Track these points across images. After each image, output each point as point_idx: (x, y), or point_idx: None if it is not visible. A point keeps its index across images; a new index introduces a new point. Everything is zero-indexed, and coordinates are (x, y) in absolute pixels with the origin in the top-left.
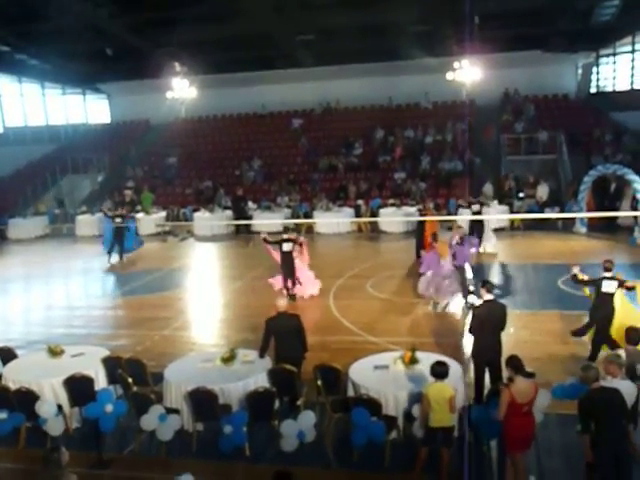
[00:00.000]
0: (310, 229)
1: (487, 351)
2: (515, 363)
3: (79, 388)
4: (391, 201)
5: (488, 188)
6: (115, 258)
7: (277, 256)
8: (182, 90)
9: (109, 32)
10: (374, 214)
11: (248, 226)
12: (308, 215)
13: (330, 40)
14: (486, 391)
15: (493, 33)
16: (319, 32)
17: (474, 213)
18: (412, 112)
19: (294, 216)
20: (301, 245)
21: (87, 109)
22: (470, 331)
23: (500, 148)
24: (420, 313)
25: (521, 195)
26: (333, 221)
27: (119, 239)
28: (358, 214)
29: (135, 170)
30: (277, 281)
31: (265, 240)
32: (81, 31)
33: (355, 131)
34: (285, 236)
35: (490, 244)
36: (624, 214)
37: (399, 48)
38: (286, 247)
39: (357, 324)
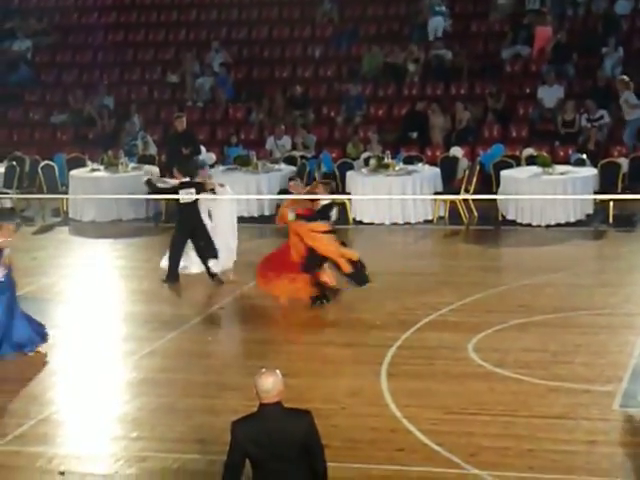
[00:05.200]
0: (341, 210)
1: None
2: None
3: None
4: (528, 151)
5: None
6: None
7: None
8: None
9: None
10: (489, 181)
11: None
12: (335, 180)
13: None
14: None
15: None
16: None
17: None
18: None
19: (303, 179)
20: None
21: None
22: None
23: None
24: (593, 416)
25: None
26: (392, 197)
27: None
28: (451, 181)
29: None
30: None
31: None
32: None
33: None
34: None
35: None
36: None
37: None
38: None
39: (443, 437)
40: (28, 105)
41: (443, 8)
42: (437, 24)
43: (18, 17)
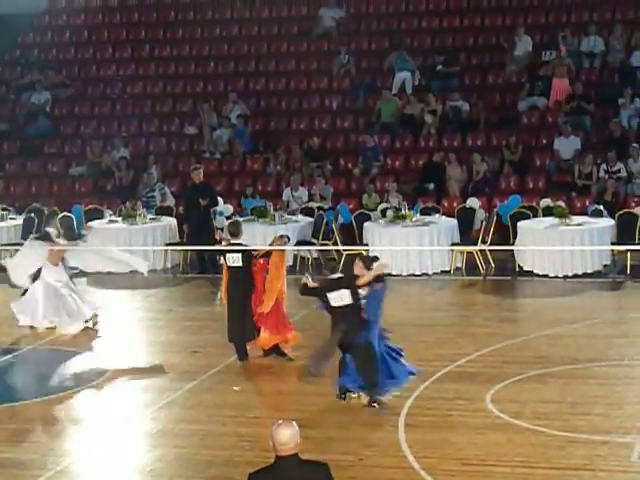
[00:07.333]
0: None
1: None
2: None
3: None
4: (545, 202)
5: None
6: None
7: None
8: None
9: None
10: (506, 232)
11: (215, 256)
12: (351, 231)
13: None
14: None
15: None
16: None
17: None
18: None
19: (319, 232)
20: None
21: None
22: None
23: None
24: (611, 467)
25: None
26: (409, 248)
27: None
28: (468, 231)
29: None
30: None
31: None
32: None
33: (460, 33)
34: None
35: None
36: None
37: None
38: None
39: None
40: (47, 157)
41: (409, 63)
42: (404, 78)
43: (37, 70)
